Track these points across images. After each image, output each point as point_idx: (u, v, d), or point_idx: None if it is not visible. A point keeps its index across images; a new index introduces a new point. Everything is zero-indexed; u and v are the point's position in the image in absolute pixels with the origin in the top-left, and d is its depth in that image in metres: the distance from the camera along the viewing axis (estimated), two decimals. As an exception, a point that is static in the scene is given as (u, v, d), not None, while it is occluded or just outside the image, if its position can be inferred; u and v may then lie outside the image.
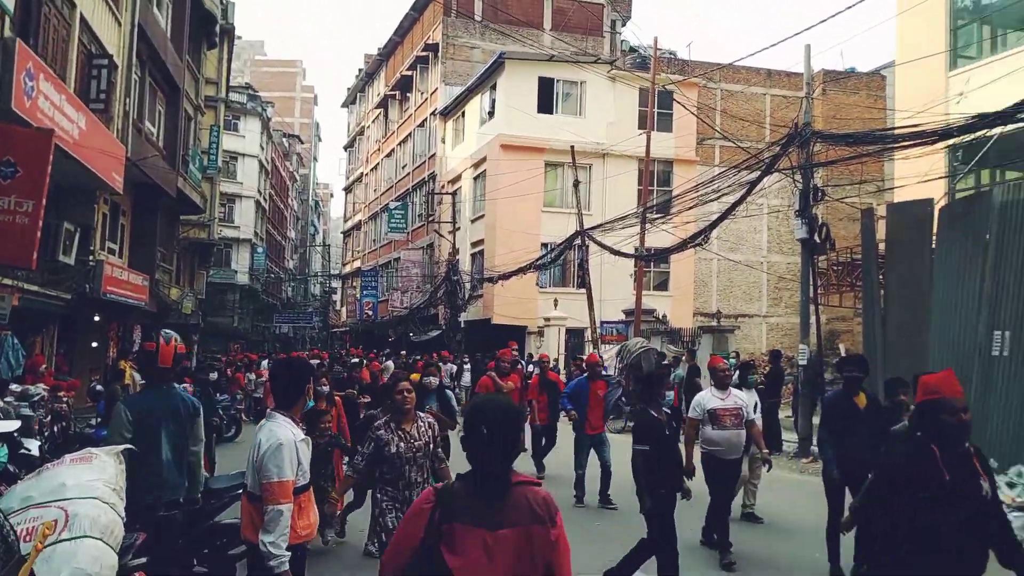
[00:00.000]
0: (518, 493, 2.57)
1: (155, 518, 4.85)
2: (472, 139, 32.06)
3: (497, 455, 2.57)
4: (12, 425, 6.94)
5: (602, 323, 24.24)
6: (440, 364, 17.07)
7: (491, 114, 30.60)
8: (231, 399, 16.98)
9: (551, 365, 13.14)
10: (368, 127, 50.19)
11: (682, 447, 6.66)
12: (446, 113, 34.98)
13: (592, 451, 9.81)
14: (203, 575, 5.51)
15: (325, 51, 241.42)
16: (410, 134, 40.20)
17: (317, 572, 6.43)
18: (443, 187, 34.20)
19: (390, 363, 20.00)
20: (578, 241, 23.09)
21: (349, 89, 55.35)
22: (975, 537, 3.23)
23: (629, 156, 27.72)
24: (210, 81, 26.93)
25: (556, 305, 26.19)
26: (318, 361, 15.69)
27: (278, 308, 57.49)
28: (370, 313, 41.90)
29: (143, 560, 4.26)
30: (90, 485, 3.58)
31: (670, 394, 7.20)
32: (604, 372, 11.35)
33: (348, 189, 57.24)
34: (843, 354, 29.12)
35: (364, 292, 43.60)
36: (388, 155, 44.56)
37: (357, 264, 50.84)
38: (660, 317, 24.63)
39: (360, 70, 52.33)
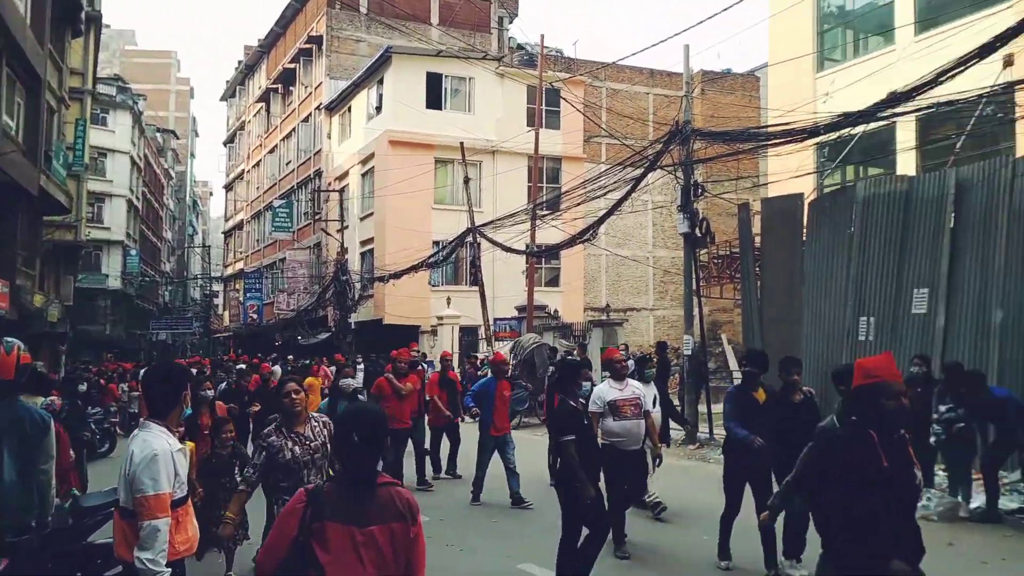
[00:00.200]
0: (383, 493, 2.83)
1: (4, 544, 4.44)
2: (359, 135, 31.49)
3: (367, 459, 2.82)
4: None
5: (495, 320, 24.32)
6: (356, 365, 16.51)
7: (378, 109, 30.13)
8: (104, 412, 15.97)
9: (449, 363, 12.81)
10: (249, 122, 48.45)
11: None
12: (332, 108, 34.20)
13: (496, 452, 9.55)
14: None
15: (201, 42, 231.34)
16: (294, 129, 39.08)
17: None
18: (330, 184, 33.45)
19: (277, 368, 19.37)
20: (469, 238, 23.07)
21: (228, 82, 53.25)
22: (911, 523, 3.19)
23: (518, 153, 27.92)
24: (75, 72, 25.23)
25: (449, 303, 26.09)
26: (197, 369, 14.96)
27: (155, 314, 54.61)
28: (255, 317, 40.50)
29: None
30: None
31: (587, 385, 7.10)
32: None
33: (229, 187, 55.09)
34: (725, 344, 30.53)
35: (248, 295, 42.10)
36: (271, 151, 43.16)
37: (240, 266, 49.07)
38: (552, 312, 24.95)
39: (240, 62, 50.38)
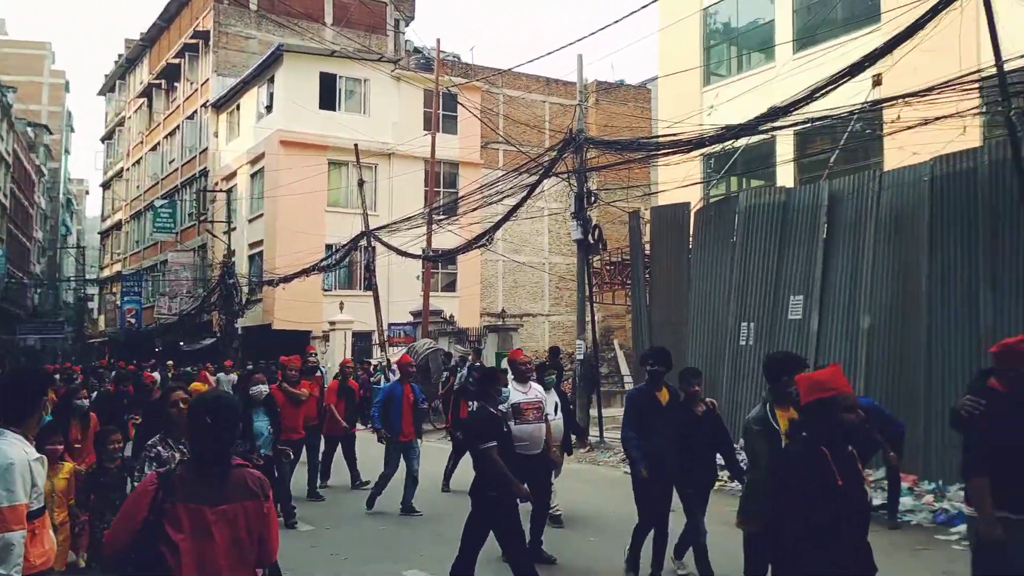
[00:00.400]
0: (236, 474, 3.02)
1: None
2: (249, 134, 30.47)
3: (220, 442, 3.02)
4: None
5: (390, 325, 24.01)
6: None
7: (269, 108, 29.24)
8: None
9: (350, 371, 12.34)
10: (129, 118, 46.05)
11: None
12: (219, 105, 32.96)
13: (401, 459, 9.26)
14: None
15: (79, 34, 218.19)
16: (178, 126, 37.40)
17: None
18: (217, 184, 32.23)
19: (156, 375, 18.44)
20: (364, 242, 22.69)
21: (107, 76, 50.46)
22: (865, 539, 3.18)
23: (415, 157, 27.72)
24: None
25: (342, 308, 25.56)
26: (67, 376, 14.03)
27: (22, 318, 50.96)
28: (132, 321, 38.46)
29: None
30: None
31: (506, 390, 6.85)
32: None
33: (106, 185, 52.19)
34: (617, 349, 31.24)
35: (125, 298, 39.93)
36: (153, 148, 41.16)
37: (117, 267, 46.60)
38: (447, 318, 24.86)
39: (120, 56, 47.85)
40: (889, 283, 10.52)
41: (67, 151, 78.05)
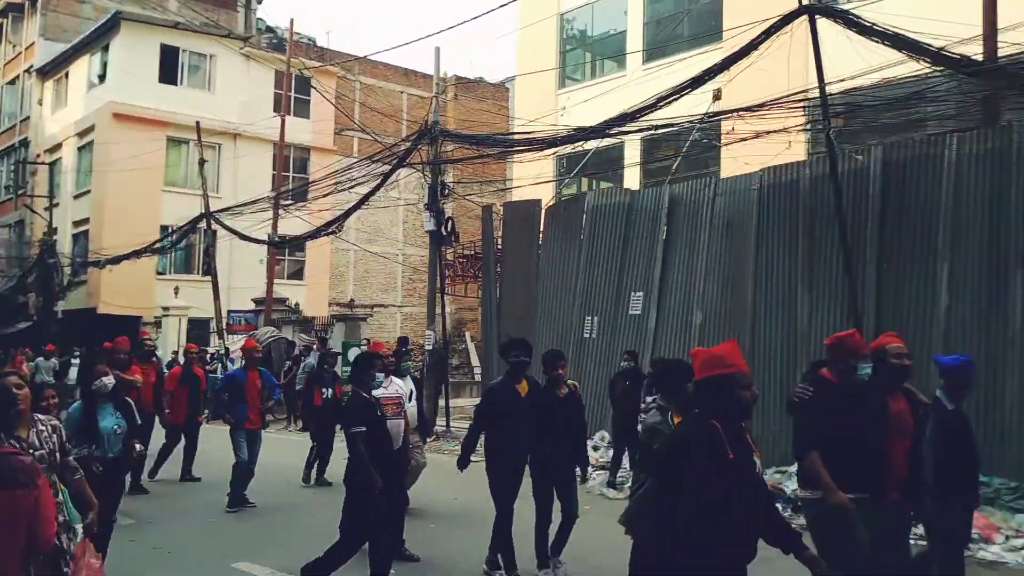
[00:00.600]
0: (4, 462, 3.06)
1: None
2: (78, 104, 28.15)
3: None
4: None
5: (230, 312, 22.94)
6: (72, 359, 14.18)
7: (102, 78, 27.15)
8: None
9: (195, 357, 11.60)
10: (-64, 76, 41.29)
11: None
12: (45, 72, 30.24)
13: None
14: None
15: None
16: (-4, 90, 33.97)
17: None
18: (39, 156, 29.73)
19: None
20: (203, 224, 21.53)
21: (-91, 26, 44.95)
22: (758, 509, 3.19)
23: (264, 139, 26.60)
24: None
25: (177, 293, 24.12)
26: None
27: None
28: (-66, 301, 34.52)
29: None
30: None
31: (380, 376, 6.58)
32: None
33: (-95, 149, 46.51)
34: (468, 341, 31.44)
35: (-74, 276, 35.80)
36: (-35, 113, 37.14)
37: (-83, 242, 41.62)
38: (293, 306, 24.09)
39: (-74, 5, 42.73)
40: (720, 283, 11.23)
41: None
